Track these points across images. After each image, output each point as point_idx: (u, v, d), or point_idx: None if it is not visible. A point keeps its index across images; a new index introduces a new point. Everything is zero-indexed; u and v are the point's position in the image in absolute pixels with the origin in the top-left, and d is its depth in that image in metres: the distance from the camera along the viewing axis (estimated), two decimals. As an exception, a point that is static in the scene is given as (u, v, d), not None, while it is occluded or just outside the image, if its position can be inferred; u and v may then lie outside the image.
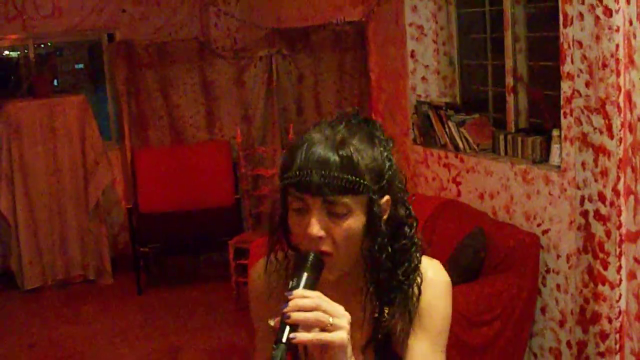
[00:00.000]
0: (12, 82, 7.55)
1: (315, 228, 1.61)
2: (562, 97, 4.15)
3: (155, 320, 6.34)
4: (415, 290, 1.73)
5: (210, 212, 7.22)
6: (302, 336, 1.47)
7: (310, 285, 1.57)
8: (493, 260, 4.37)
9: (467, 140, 5.17)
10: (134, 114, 7.48)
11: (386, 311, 1.73)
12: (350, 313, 1.54)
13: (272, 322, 1.50)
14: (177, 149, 7.45)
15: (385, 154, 1.68)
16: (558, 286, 4.33)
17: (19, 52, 8.13)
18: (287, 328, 1.47)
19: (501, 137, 4.94)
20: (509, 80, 5.02)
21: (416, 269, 1.73)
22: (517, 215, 4.61)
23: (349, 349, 1.52)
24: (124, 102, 7.45)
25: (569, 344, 4.27)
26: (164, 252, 7.50)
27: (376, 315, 1.74)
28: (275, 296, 1.80)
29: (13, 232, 7.16)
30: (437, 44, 5.74)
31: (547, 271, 4.38)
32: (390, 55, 6.01)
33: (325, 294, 1.55)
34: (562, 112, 4.16)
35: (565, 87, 4.10)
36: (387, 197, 1.67)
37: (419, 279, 1.73)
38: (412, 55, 5.72)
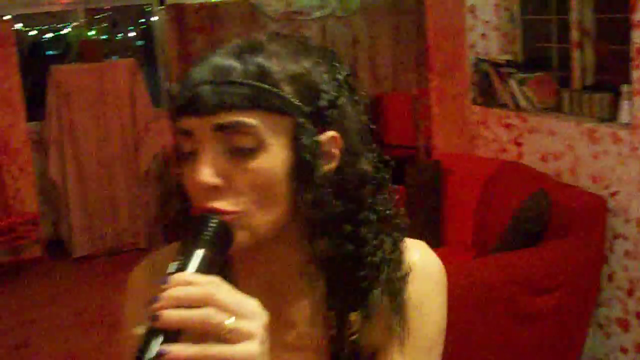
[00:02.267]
0: (61, 47, 7.44)
1: (205, 172, 1.03)
2: (632, 48, 3.85)
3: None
4: (399, 281, 1.17)
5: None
6: (179, 350, 0.87)
7: (207, 267, 0.96)
8: (556, 225, 4.08)
9: (529, 98, 4.88)
10: (184, 78, 7.34)
11: (353, 318, 1.16)
12: (293, 325, 1.06)
13: (139, 330, 0.90)
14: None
15: (335, 75, 1.13)
16: (627, 252, 4.04)
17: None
18: (160, 336, 0.88)
19: (566, 94, 4.64)
20: (575, 35, 4.70)
21: (395, 251, 1.18)
22: (583, 177, 4.31)
23: None
24: (175, 66, 7.31)
25: (638, 314, 3.99)
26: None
27: (335, 329, 1.17)
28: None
29: (63, 198, 7.07)
30: (497, -1, 5.46)
31: (615, 236, 4.09)
32: (448, 11, 5.72)
33: (244, 289, 0.96)
34: (632, 64, 3.86)
35: (636, 36, 3.80)
36: (331, 134, 1.11)
37: (402, 267, 1.18)
38: (471, 11, 5.42)
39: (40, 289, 6.44)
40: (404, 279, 1.17)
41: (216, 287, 0.91)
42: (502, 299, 3.69)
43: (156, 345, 0.87)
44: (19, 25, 8.12)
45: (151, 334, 0.88)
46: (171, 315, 0.88)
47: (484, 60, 5.30)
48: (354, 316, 1.15)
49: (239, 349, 0.88)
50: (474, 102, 5.44)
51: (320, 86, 1.09)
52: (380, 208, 1.16)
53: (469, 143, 5.41)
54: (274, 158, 1.05)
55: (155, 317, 0.88)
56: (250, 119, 1.03)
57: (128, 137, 7.11)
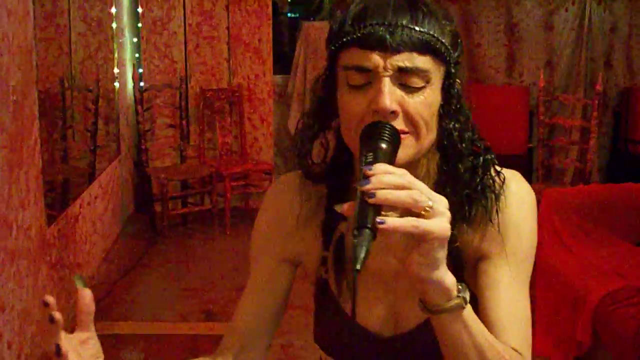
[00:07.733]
0: (315, 4, 7.53)
1: (387, 100, 1.24)
2: None
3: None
4: (499, 199, 1.38)
5: (500, 159, 6.83)
6: (394, 222, 1.07)
7: (391, 160, 1.20)
8: None
9: None
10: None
11: (464, 226, 1.38)
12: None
13: (339, 208, 1.12)
14: (473, 88, 7.13)
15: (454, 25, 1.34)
16: None
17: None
18: (372, 210, 1.07)
19: None
20: None
21: (492, 167, 1.40)
22: None
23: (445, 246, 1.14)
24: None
25: None
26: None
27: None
28: (312, 219, 1.48)
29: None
30: None
31: None
32: None
33: None
34: None
35: None
36: (458, 81, 1.35)
37: (499, 186, 1.39)
38: None
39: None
40: (501, 194, 1.38)
41: (410, 176, 1.11)
42: None
43: (372, 216, 1.07)
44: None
45: (363, 207, 1.08)
46: (387, 194, 1.08)
47: None
48: (455, 226, 1.30)
49: (437, 222, 1.10)
50: None
51: (458, 37, 1.32)
52: (472, 131, 1.39)
53: None
54: (435, 95, 1.29)
55: (371, 195, 1.07)
56: (425, 64, 1.26)
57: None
